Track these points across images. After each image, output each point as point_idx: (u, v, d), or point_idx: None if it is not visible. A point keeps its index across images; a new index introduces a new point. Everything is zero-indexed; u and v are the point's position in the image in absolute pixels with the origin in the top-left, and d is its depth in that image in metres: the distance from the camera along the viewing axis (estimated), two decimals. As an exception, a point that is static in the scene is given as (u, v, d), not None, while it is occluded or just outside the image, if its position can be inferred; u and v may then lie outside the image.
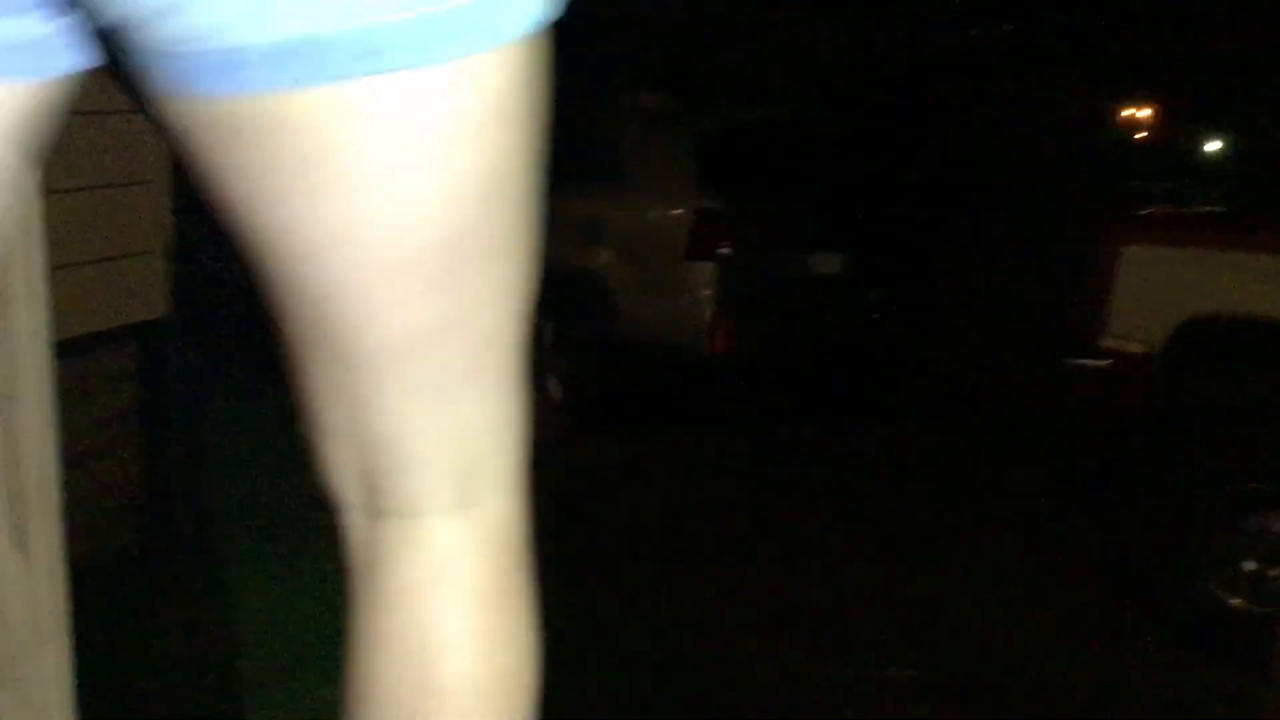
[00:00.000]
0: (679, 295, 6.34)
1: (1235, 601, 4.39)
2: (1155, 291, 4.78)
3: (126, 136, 3.73)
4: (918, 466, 6.17)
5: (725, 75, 9.14)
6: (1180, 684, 4.04)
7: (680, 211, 6.34)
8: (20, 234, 0.90)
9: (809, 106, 8.26)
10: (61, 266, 3.47)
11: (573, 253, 6.53)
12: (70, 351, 3.76)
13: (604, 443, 6.02)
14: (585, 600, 4.14)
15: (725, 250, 6.25)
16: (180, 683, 3.37)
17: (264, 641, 3.63)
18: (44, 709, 0.99)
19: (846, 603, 4.45)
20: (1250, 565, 4.37)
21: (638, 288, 6.43)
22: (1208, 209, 5.96)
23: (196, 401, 4.59)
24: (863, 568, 4.78)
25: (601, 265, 6.50)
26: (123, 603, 3.78)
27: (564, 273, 6.55)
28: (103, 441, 4.04)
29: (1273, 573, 4.35)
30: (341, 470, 0.93)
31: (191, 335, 4.41)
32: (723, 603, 4.40)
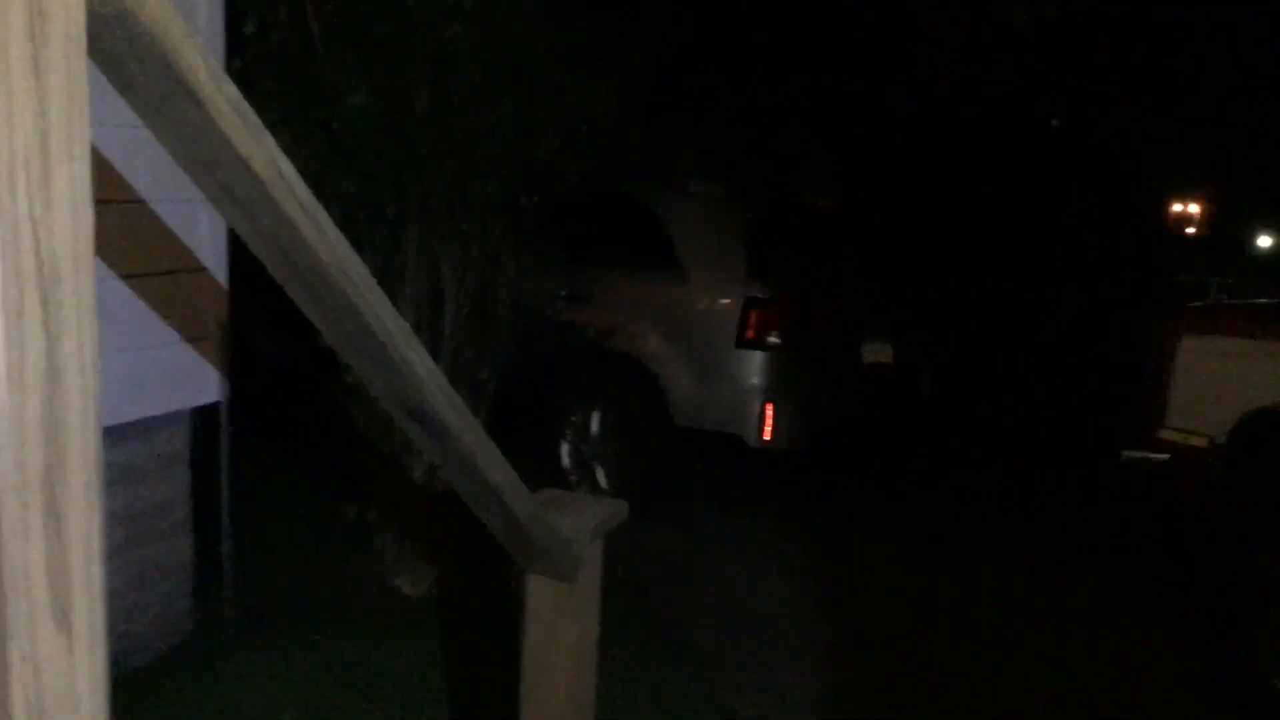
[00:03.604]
0: (729, 383, 6.31)
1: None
2: (1216, 384, 4.68)
3: (183, 224, 3.80)
4: (972, 556, 6.05)
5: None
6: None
7: (729, 300, 6.33)
8: (74, 305, 0.89)
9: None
10: (120, 350, 3.53)
11: (620, 339, 6.53)
12: (126, 435, 3.79)
13: (650, 530, 5.95)
14: (643, 685, 4.07)
15: (774, 339, 6.23)
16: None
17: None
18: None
19: (902, 685, 4.33)
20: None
21: (687, 375, 6.41)
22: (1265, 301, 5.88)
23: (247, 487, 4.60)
24: (920, 653, 4.67)
25: (650, 353, 6.48)
26: (170, 690, 3.76)
27: (611, 359, 6.55)
28: (156, 525, 4.05)
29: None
30: None
31: (244, 421, 4.42)
32: (777, 690, 4.31)
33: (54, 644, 0.94)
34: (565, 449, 6.70)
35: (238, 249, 3.87)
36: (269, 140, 1.18)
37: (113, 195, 3.30)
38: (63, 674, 0.95)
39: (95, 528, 0.97)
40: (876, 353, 6.94)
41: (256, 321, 4.99)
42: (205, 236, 3.90)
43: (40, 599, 0.93)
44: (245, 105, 1.13)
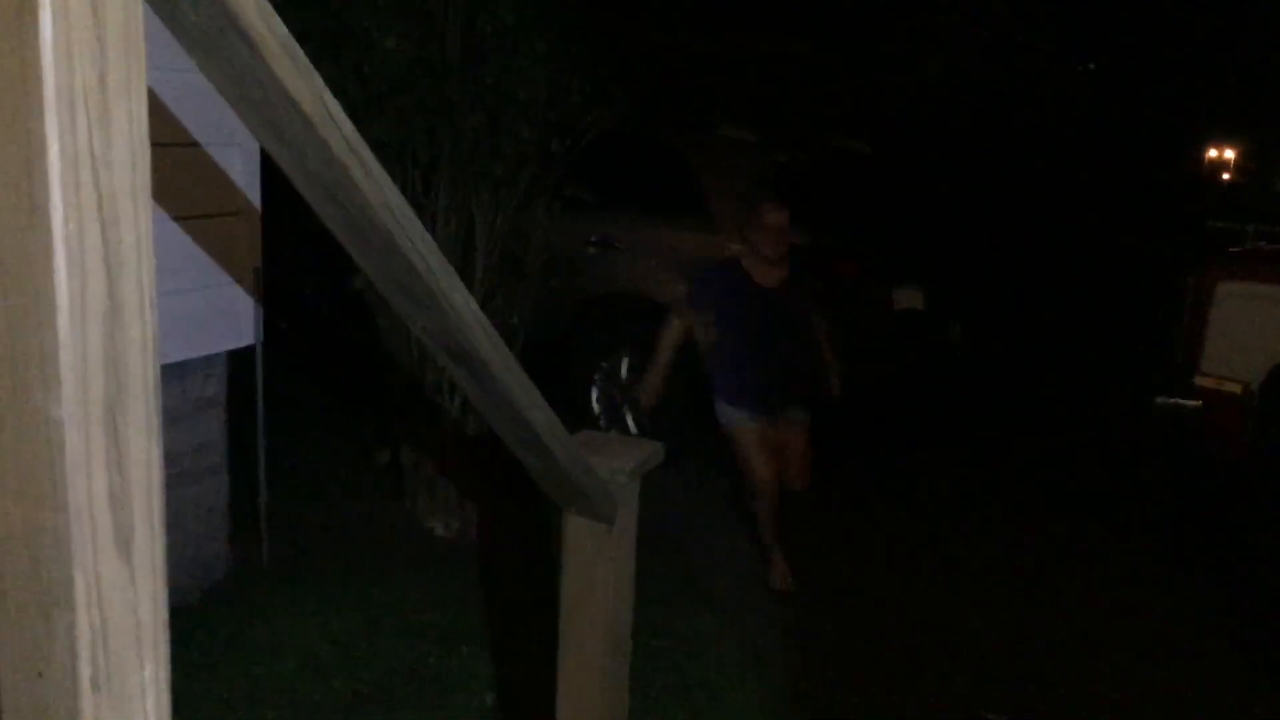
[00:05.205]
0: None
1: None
2: (1251, 331, 4.65)
3: (220, 166, 3.81)
4: (1000, 506, 6.05)
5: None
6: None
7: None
8: (133, 243, 0.91)
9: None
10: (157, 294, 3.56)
11: (649, 286, 6.52)
12: (163, 378, 3.82)
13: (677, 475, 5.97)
14: (671, 627, 4.11)
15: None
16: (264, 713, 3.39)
17: (346, 669, 3.64)
18: (140, 721, 0.99)
19: (933, 639, 4.36)
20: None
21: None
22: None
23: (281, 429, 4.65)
24: (956, 605, 4.69)
25: (680, 298, 6.47)
26: (210, 628, 3.83)
27: (641, 305, 6.54)
28: (193, 467, 4.10)
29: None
30: None
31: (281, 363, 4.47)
32: (800, 633, 4.35)
33: (117, 573, 0.97)
34: (595, 394, 6.73)
35: (270, 192, 3.88)
36: (317, 79, 1.18)
37: (154, 137, 3.30)
38: (125, 602, 0.98)
39: (155, 459, 1.00)
40: (907, 298, 6.90)
41: (291, 264, 5.02)
42: (241, 179, 3.91)
43: (103, 529, 0.95)
44: (294, 44, 1.14)
